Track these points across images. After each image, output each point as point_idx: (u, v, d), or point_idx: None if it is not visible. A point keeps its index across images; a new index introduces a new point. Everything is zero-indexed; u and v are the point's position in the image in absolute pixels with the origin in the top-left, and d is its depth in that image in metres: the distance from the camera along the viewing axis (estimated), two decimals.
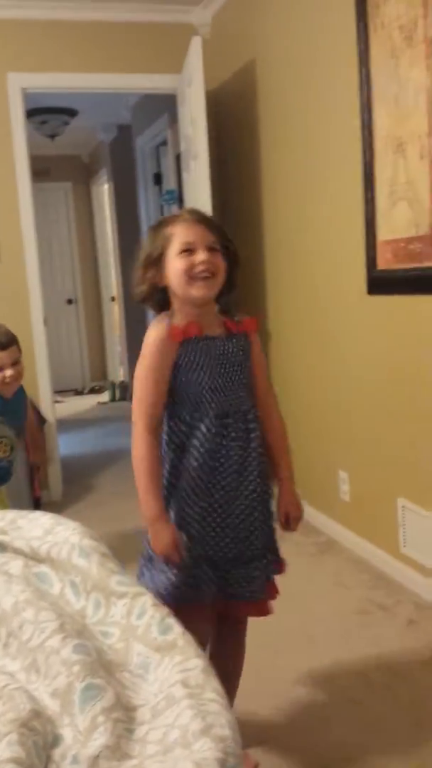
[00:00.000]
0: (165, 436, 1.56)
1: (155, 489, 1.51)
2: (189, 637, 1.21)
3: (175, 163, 4.69)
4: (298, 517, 1.66)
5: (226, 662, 1.58)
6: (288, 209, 3.28)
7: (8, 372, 2.45)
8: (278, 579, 1.68)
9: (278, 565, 1.64)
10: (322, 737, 1.80)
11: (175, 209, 4.78)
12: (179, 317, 1.52)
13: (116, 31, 3.83)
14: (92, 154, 7.50)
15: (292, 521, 1.65)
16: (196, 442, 1.51)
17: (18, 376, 2.50)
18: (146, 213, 5.72)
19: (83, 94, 4.45)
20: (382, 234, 2.46)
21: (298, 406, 3.29)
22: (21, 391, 2.62)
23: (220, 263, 1.49)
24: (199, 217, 1.51)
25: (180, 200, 4.50)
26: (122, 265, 6.73)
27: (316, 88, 2.90)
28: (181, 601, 1.48)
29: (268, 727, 1.84)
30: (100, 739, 1.01)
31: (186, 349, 1.50)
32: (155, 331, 1.51)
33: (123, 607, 1.31)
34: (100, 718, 1.04)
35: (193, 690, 1.07)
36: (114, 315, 7.65)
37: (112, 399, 7.07)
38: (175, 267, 1.47)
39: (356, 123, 2.54)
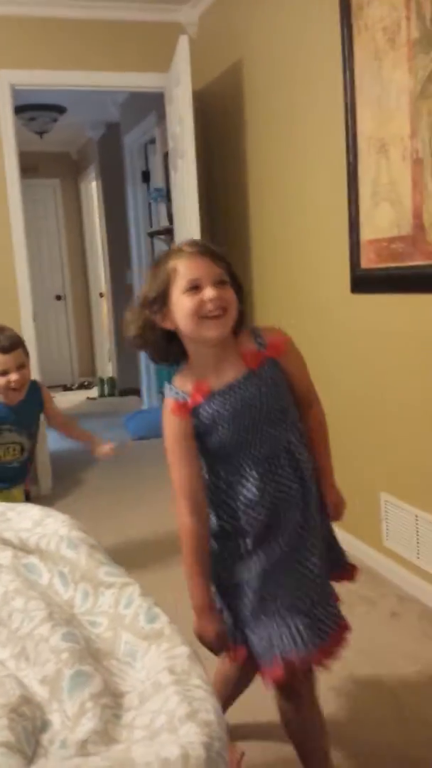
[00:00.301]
0: (210, 495, 1.43)
1: (202, 579, 1.39)
2: (175, 625, 1.24)
3: (162, 161, 4.71)
4: (344, 504, 1.57)
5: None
6: (273, 208, 3.31)
7: (13, 377, 2.33)
8: None
9: (350, 569, 1.58)
10: None
11: (162, 207, 4.80)
12: (194, 365, 1.41)
13: (105, 29, 3.85)
14: (81, 151, 7.49)
15: (339, 509, 1.56)
16: (242, 498, 1.39)
17: (24, 381, 2.38)
18: (134, 210, 5.74)
19: (71, 92, 4.46)
20: (366, 234, 2.50)
21: None
22: (33, 393, 2.52)
23: (231, 298, 1.35)
24: (202, 249, 1.36)
25: (168, 198, 4.52)
26: (111, 262, 6.75)
27: (301, 89, 2.93)
28: (314, 646, 1.37)
29: (252, 715, 1.87)
30: (88, 725, 1.04)
31: (200, 415, 1.38)
32: (166, 412, 1.41)
33: (111, 596, 1.34)
34: (89, 704, 1.07)
35: (179, 676, 1.09)
36: (103, 311, 7.66)
37: (101, 394, 7.08)
38: (182, 307, 1.32)
39: (340, 124, 2.58)
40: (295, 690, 1.42)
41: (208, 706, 1.02)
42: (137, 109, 5.22)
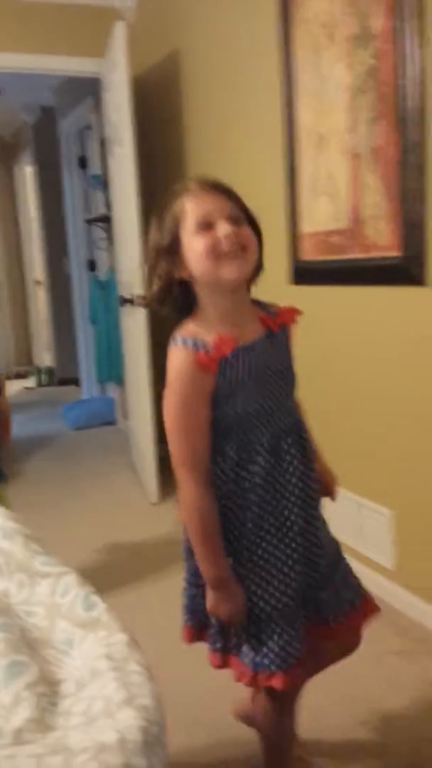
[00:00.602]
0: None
1: (217, 550, 1.25)
2: (113, 613, 1.24)
3: (99, 147, 4.65)
4: (336, 482, 1.51)
5: None
6: None
7: None
8: None
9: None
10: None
11: (100, 194, 4.75)
12: (209, 318, 1.24)
13: (39, 11, 3.76)
14: (15, 134, 7.32)
15: (333, 488, 1.50)
16: (255, 478, 1.25)
17: None
18: (71, 196, 5.65)
19: (3, 74, 4.35)
20: (305, 227, 2.53)
21: None
22: None
23: (249, 236, 1.21)
24: (210, 184, 1.22)
25: (105, 185, 4.47)
26: (47, 249, 6.63)
27: (240, 81, 2.94)
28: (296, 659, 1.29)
29: (203, 699, 1.89)
30: (23, 713, 1.03)
31: (223, 373, 1.20)
32: (180, 363, 1.19)
33: (47, 586, 1.33)
34: (24, 693, 1.07)
35: (117, 663, 1.10)
36: (39, 299, 7.53)
37: (39, 384, 6.98)
38: (194, 249, 1.18)
39: (279, 117, 2.60)
40: (286, 693, 1.35)
41: (145, 691, 1.03)
42: (73, 94, 5.13)
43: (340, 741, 1.73)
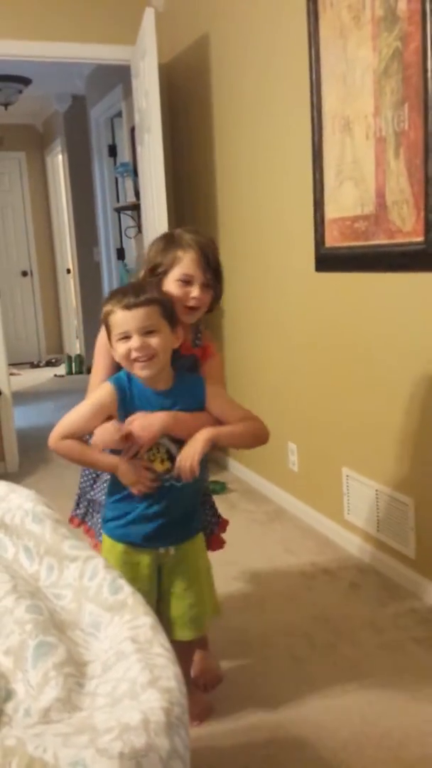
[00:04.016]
0: None
1: None
2: (138, 596, 1.27)
3: (129, 136, 4.66)
4: None
5: None
6: (240, 184, 3.31)
7: (135, 343, 1.57)
8: (230, 546, 1.78)
9: None
10: (266, 692, 1.88)
11: (129, 182, 4.76)
12: None
13: (70, 0, 3.79)
14: (46, 123, 7.37)
15: None
16: None
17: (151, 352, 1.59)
18: (101, 185, 5.68)
19: (36, 63, 4.38)
20: (330, 212, 2.52)
21: (249, 381, 3.36)
22: (191, 374, 1.73)
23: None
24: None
25: (134, 173, 4.48)
26: (77, 237, 6.68)
27: (267, 66, 2.92)
28: None
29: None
30: (51, 693, 1.06)
31: None
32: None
33: (75, 569, 1.36)
34: (52, 673, 1.10)
35: (141, 645, 1.12)
36: (70, 287, 7.60)
37: (69, 372, 7.05)
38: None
39: (306, 102, 2.58)
40: None
41: (169, 673, 1.05)
42: (103, 82, 5.15)
43: (358, 730, 1.74)
